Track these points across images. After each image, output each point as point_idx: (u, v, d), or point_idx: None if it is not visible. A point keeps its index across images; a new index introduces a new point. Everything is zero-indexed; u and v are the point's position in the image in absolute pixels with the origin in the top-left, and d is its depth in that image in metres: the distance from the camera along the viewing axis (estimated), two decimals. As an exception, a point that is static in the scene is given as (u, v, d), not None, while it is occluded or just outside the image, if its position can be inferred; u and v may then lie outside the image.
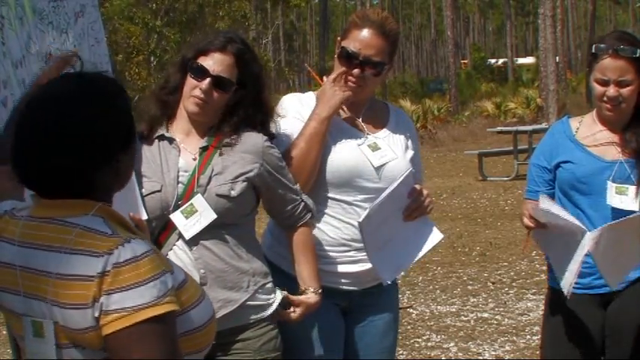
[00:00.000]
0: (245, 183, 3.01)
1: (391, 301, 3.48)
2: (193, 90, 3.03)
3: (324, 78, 3.34)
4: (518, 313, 7.40)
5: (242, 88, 3.06)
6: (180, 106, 3.08)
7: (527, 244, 3.69)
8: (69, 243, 1.95)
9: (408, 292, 8.20)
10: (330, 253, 3.28)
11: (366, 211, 3.19)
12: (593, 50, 3.49)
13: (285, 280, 3.15)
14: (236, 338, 3.01)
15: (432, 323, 7.23)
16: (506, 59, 63.76)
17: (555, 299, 3.58)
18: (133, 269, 1.91)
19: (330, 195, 3.26)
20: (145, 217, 2.89)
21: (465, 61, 64.24)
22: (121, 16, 30.27)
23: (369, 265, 3.27)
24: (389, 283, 3.32)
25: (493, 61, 68.94)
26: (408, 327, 7.08)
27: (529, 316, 7.27)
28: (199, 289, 2.12)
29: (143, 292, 1.89)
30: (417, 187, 3.34)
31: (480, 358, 6.36)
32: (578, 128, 3.60)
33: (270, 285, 3.09)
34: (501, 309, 7.55)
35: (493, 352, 6.44)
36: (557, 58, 30.66)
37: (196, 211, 2.96)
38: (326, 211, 3.27)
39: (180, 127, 3.09)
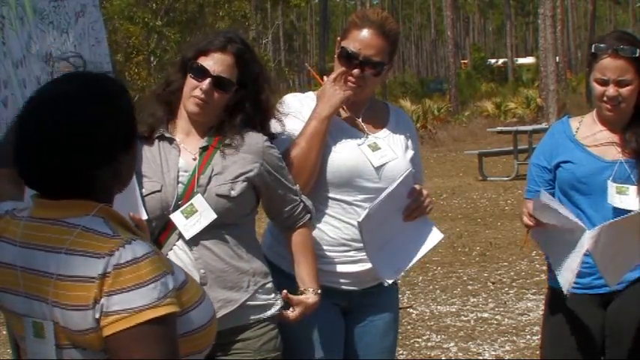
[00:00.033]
0: (245, 183, 3.01)
1: (391, 301, 3.48)
2: (194, 90, 3.03)
3: (325, 78, 3.34)
4: (518, 313, 7.40)
5: (242, 88, 3.06)
6: (180, 106, 3.08)
7: (527, 243, 3.69)
8: (70, 244, 1.95)
9: (408, 292, 8.21)
10: (330, 253, 3.28)
11: (365, 211, 3.19)
12: (593, 50, 3.49)
13: (285, 280, 3.15)
14: (236, 338, 3.02)
15: (432, 323, 7.23)
16: (506, 59, 63.75)
17: (555, 299, 3.58)
18: (133, 270, 1.91)
19: (330, 195, 3.27)
20: (145, 217, 2.89)
21: (465, 61, 64.24)
22: (121, 16, 30.28)
23: (369, 265, 3.27)
24: (389, 283, 3.32)
25: (493, 61, 68.95)
26: (408, 327, 7.08)
27: (529, 316, 7.28)
28: (200, 290, 2.12)
29: (144, 294, 1.89)
30: (417, 187, 3.34)
31: (480, 358, 6.36)
32: (578, 128, 3.60)
33: (270, 285, 3.10)
34: (501, 309, 7.55)
35: (493, 352, 6.44)
36: (557, 58, 30.66)
37: (196, 211, 2.96)
38: (326, 211, 3.27)
39: (180, 127, 3.09)
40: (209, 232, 2.97)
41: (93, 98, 2.01)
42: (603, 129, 3.56)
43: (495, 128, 21.06)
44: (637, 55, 3.41)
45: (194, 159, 3.04)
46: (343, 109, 3.34)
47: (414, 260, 3.39)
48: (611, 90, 3.44)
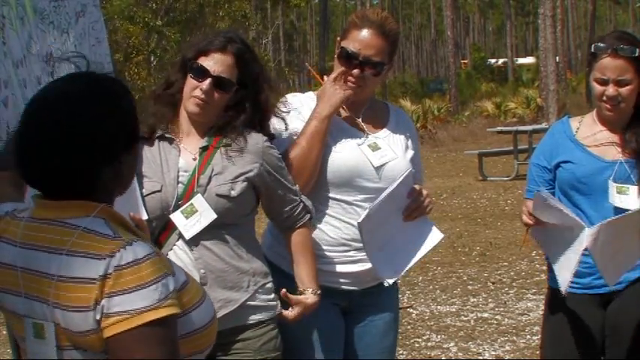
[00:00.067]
0: (245, 183, 3.02)
1: (391, 301, 3.48)
2: (194, 90, 3.03)
3: (325, 77, 3.34)
4: (518, 313, 7.40)
5: (242, 88, 3.06)
6: (180, 107, 3.09)
7: (526, 241, 3.70)
8: (71, 245, 1.95)
9: (408, 292, 8.21)
10: (330, 253, 3.28)
11: (365, 211, 3.19)
12: (593, 50, 3.49)
13: (285, 280, 3.15)
14: (236, 338, 3.02)
15: (432, 323, 7.23)
16: (506, 59, 63.75)
17: (555, 299, 3.58)
18: (134, 272, 1.90)
19: (330, 195, 3.27)
20: (145, 217, 2.90)
21: (465, 61, 64.24)
22: (121, 15, 30.28)
23: (369, 265, 3.27)
24: (390, 283, 3.32)
25: (493, 61, 68.95)
26: (408, 327, 7.08)
27: (529, 316, 7.28)
28: (200, 290, 2.12)
29: (145, 295, 1.89)
30: (417, 187, 3.34)
31: (480, 358, 6.36)
32: (578, 128, 3.60)
33: (270, 285, 3.10)
34: (501, 309, 7.55)
35: (493, 352, 6.44)
36: (557, 58, 30.65)
37: (196, 211, 2.96)
38: (326, 211, 3.27)
39: (180, 127, 3.09)
40: (209, 232, 2.97)
41: (95, 98, 2.01)
42: (603, 129, 3.56)
43: (495, 128, 21.06)
44: (636, 54, 3.41)
45: (194, 159, 3.04)
46: (343, 108, 3.34)
47: (415, 260, 3.39)
48: (610, 90, 3.44)
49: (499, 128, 20.86)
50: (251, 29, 38.74)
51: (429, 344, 6.69)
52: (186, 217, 2.96)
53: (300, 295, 3.11)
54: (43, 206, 2.04)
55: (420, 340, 6.79)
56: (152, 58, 30.91)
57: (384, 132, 3.39)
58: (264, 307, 3.06)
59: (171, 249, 2.98)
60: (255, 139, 3.06)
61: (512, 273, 8.85)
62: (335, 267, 3.29)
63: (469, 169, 18.19)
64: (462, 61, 61.72)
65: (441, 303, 7.86)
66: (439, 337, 6.85)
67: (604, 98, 3.47)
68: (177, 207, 2.98)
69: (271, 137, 3.13)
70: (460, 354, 6.44)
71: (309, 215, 3.14)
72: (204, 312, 2.08)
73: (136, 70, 29.33)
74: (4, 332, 6.75)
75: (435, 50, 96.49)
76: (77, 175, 1.98)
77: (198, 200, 2.97)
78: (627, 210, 3.40)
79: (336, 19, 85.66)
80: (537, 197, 3.40)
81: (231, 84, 3.04)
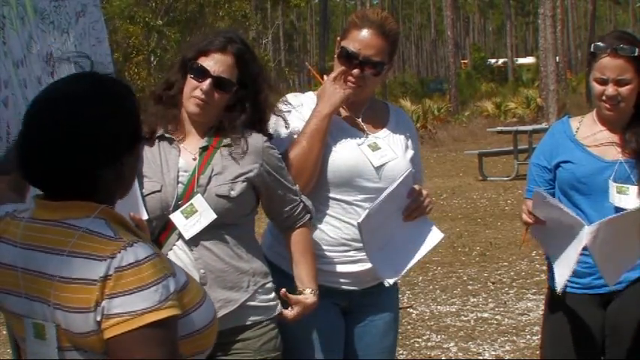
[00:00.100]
0: (245, 183, 3.02)
1: (391, 301, 3.48)
2: (194, 91, 3.03)
3: (325, 77, 3.34)
4: (518, 313, 7.40)
5: (242, 88, 3.06)
6: (181, 107, 3.09)
7: (526, 241, 3.70)
8: (72, 246, 1.95)
9: (408, 292, 8.21)
10: (331, 253, 3.28)
11: (365, 211, 3.19)
12: (592, 49, 3.50)
13: (285, 280, 3.15)
14: (236, 338, 3.02)
15: (432, 323, 7.23)
16: (506, 59, 63.74)
17: (555, 299, 3.58)
18: (135, 273, 1.91)
19: (330, 195, 3.27)
20: (145, 217, 2.89)
21: (465, 61, 64.23)
22: (120, 15, 30.29)
23: (369, 265, 3.27)
24: (390, 283, 3.32)
25: (493, 61, 68.94)
26: (408, 327, 7.08)
27: (529, 316, 7.28)
28: (201, 291, 2.11)
29: (145, 297, 1.89)
30: (417, 187, 3.34)
31: (480, 358, 6.36)
32: (578, 128, 3.60)
33: (270, 285, 3.10)
34: (501, 309, 7.55)
35: (493, 352, 6.44)
36: (557, 58, 30.65)
37: (196, 211, 2.96)
38: (326, 210, 3.27)
39: (180, 127, 3.09)
40: (209, 232, 2.97)
41: (98, 99, 2.01)
42: (603, 129, 3.56)
43: (495, 128, 21.06)
44: (636, 54, 3.41)
45: (194, 159, 3.04)
46: (343, 108, 3.35)
47: (415, 260, 3.39)
48: (610, 89, 3.44)
49: (499, 128, 20.86)
50: (251, 29, 38.75)
51: (429, 344, 6.69)
52: (186, 217, 2.96)
53: (300, 295, 3.11)
54: (43, 207, 2.04)
55: (420, 340, 6.79)
56: (152, 58, 30.91)
57: (384, 132, 3.39)
58: (264, 307, 3.06)
59: (171, 249, 2.98)
60: (255, 139, 3.06)
61: (512, 273, 8.85)
62: (335, 267, 3.29)
63: (469, 169, 18.19)
64: (462, 61, 61.72)
65: (441, 303, 7.86)
66: (439, 337, 6.85)
67: (604, 98, 3.47)
68: (177, 207, 2.98)
69: (270, 137, 3.13)
70: (460, 354, 6.44)
71: (309, 215, 3.15)
72: (205, 312, 2.08)
73: (136, 70, 29.34)
74: (4, 332, 6.75)
75: (435, 50, 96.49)
76: (79, 175, 1.98)
77: (198, 200, 2.97)
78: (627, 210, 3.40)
79: (336, 19, 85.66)
80: (537, 195, 3.40)
81: (232, 84, 3.04)
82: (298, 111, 3.31)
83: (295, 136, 3.23)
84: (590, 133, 3.57)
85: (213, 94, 3.02)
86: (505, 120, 29.37)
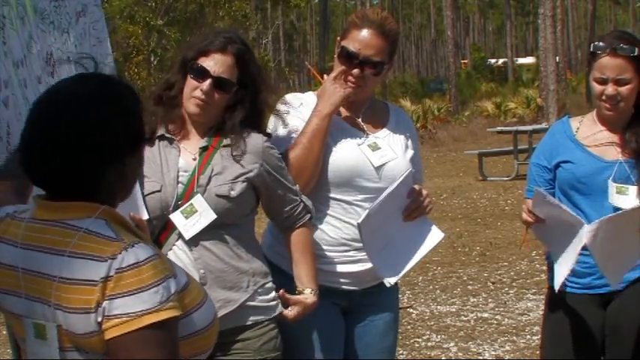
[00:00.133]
0: (245, 183, 3.02)
1: (391, 300, 3.48)
2: (194, 91, 3.03)
3: (325, 76, 3.35)
4: (518, 313, 7.40)
5: (242, 88, 3.07)
6: (181, 107, 3.09)
7: (526, 241, 3.70)
8: (72, 246, 1.95)
9: (408, 292, 8.21)
10: (331, 253, 3.28)
11: (365, 211, 3.19)
12: (592, 49, 3.50)
13: (285, 279, 3.15)
14: (236, 338, 3.02)
15: (432, 323, 7.23)
16: (506, 59, 63.73)
17: (555, 299, 3.58)
18: (135, 274, 1.91)
19: (330, 195, 3.27)
20: (146, 217, 2.89)
21: (465, 61, 64.23)
22: (120, 15, 30.28)
23: (369, 265, 3.27)
24: (392, 284, 3.32)
25: (493, 61, 68.92)
26: (408, 327, 7.08)
27: (529, 316, 7.28)
28: (202, 292, 2.11)
29: (145, 298, 1.89)
30: (417, 187, 3.34)
31: (480, 358, 6.36)
32: (578, 128, 3.60)
33: (269, 285, 3.10)
34: (501, 309, 7.56)
35: (493, 352, 6.44)
36: (557, 58, 30.65)
37: (196, 211, 2.96)
38: (326, 211, 3.27)
39: (180, 128, 3.09)
40: (209, 232, 2.97)
41: (101, 99, 2.01)
42: (603, 129, 3.56)
43: (495, 128, 21.06)
44: (635, 53, 3.41)
45: (194, 159, 3.04)
46: (344, 108, 3.35)
47: (415, 260, 3.38)
48: (610, 89, 3.44)
49: (499, 128, 20.86)
50: (251, 29, 38.74)
51: (429, 344, 6.69)
52: (186, 217, 2.96)
53: (299, 294, 3.11)
54: (44, 207, 2.04)
55: (420, 340, 6.79)
56: (152, 58, 30.91)
57: (384, 132, 3.39)
58: (264, 307, 3.06)
59: (171, 249, 2.98)
60: (255, 139, 3.06)
61: (512, 273, 8.85)
62: (335, 267, 3.29)
63: (469, 169, 18.19)
64: (462, 61, 61.72)
65: (441, 303, 7.86)
66: (439, 337, 6.85)
67: (603, 97, 3.47)
68: (176, 207, 2.98)
69: (269, 136, 3.13)
70: (460, 354, 6.44)
71: (309, 215, 3.15)
72: (206, 313, 2.08)
73: (136, 70, 29.33)
74: (4, 332, 6.75)
75: (435, 50, 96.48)
76: (80, 175, 1.98)
77: (197, 200, 2.97)
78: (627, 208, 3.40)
79: (336, 19, 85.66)
80: (537, 194, 3.40)
81: (232, 84, 3.04)
82: (298, 111, 3.31)
83: (295, 136, 3.23)
84: (590, 133, 3.57)
85: (214, 95, 3.02)
86: (505, 120, 29.38)
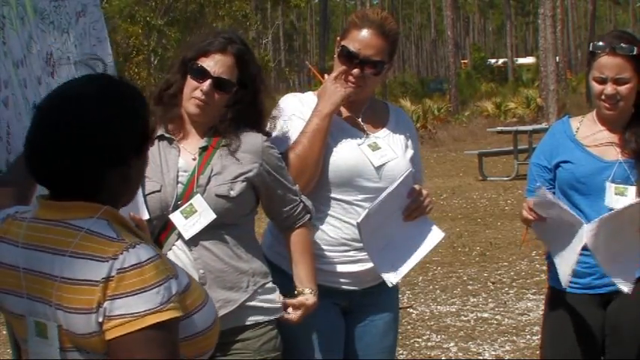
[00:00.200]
0: (244, 183, 3.02)
1: (391, 300, 3.48)
2: (194, 91, 3.03)
3: (325, 76, 3.35)
4: (518, 313, 7.41)
5: (242, 88, 3.07)
6: (180, 107, 3.09)
7: (526, 241, 3.69)
8: (74, 247, 1.95)
9: (408, 292, 8.21)
10: (331, 253, 3.28)
11: (365, 211, 3.19)
12: (591, 48, 3.50)
13: (285, 280, 3.15)
14: (236, 338, 3.01)
15: (432, 323, 7.23)
16: (506, 59, 63.73)
17: (555, 299, 3.58)
18: (137, 275, 1.91)
19: (330, 195, 3.27)
20: (146, 216, 2.90)
21: (465, 61, 64.23)
22: (120, 15, 30.29)
23: (369, 265, 3.27)
24: (393, 284, 3.32)
25: (493, 61, 68.91)
26: (408, 327, 7.08)
27: (529, 316, 7.28)
28: (203, 293, 2.11)
29: (147, 298, 1.90)
30: (417, 187, 3.34)
31: (480, 358, 6.36)
32: (578, 128, 3.60)
33: (269, 285, 3.10)
34: (501, 309, 7.56)
35: (493, 352, 6.44)
36: (557, 58, 30.65)
37: (196, 211, 2.96)
38: (326, 210, 3.27)
39: (180, 128, 3.09)
40: (208, 232, 2.97)
41: (103, 100, 2.01)
42: (603, 129, 3.56)
43: (495, 128, 21.06)
44: (635, 53, 3.41)
45: (194, 159, 3.04)
46: (344, 108, 3.35)
47: (416, 260, 3.38)
48: (609, 88, 3.44)
49: (499, 128, 20.86)
50: (251, 29, 38.75)
51: (429, 344, 6.69)
52: (186, 217, 2.96)
53: (299, 295, 3.11)
54: (46, 207, 2.04)
55: (420, 340, 6.79)
56: (152, 58, 30.91)
57: (384, 132, 3.39)
58: (264, 307, 3.06)
59: (171, 249, 2.98)
60: (255, 139, 3.06)
61: (512, 273, 8.85)
62: (335, 267, 3.29)
63: (469, 169, 18.19)
64: (462, 61, 61.72)
65: (441, 303, 7.86)
66: (439, 337, 6.86)
67: (603, 97, 3.47)
68: (176, 207, 2.98)
69: (269, 136, 3.13)
70: (460, 354, 6.44)
71: (309, 215, 3.15)
72: (207, 314, 2.08)
73: (136, 70, 29.34)
74: (4, 332, 6.75)
75: (435, 50, 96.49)
76: (84, 176, 1.98)
77: (197, 200, 2.97)
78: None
79: (336, 19, 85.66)
80: (540, 192, 3.39)
81: (232, 85, 3.04)
82: (300, 111, 3.31)
83: (295, 136, 3.23)
84: (590, 133, 3.57)
85: (214, 95, 3.02)
86: (505, 120, 29.38)
